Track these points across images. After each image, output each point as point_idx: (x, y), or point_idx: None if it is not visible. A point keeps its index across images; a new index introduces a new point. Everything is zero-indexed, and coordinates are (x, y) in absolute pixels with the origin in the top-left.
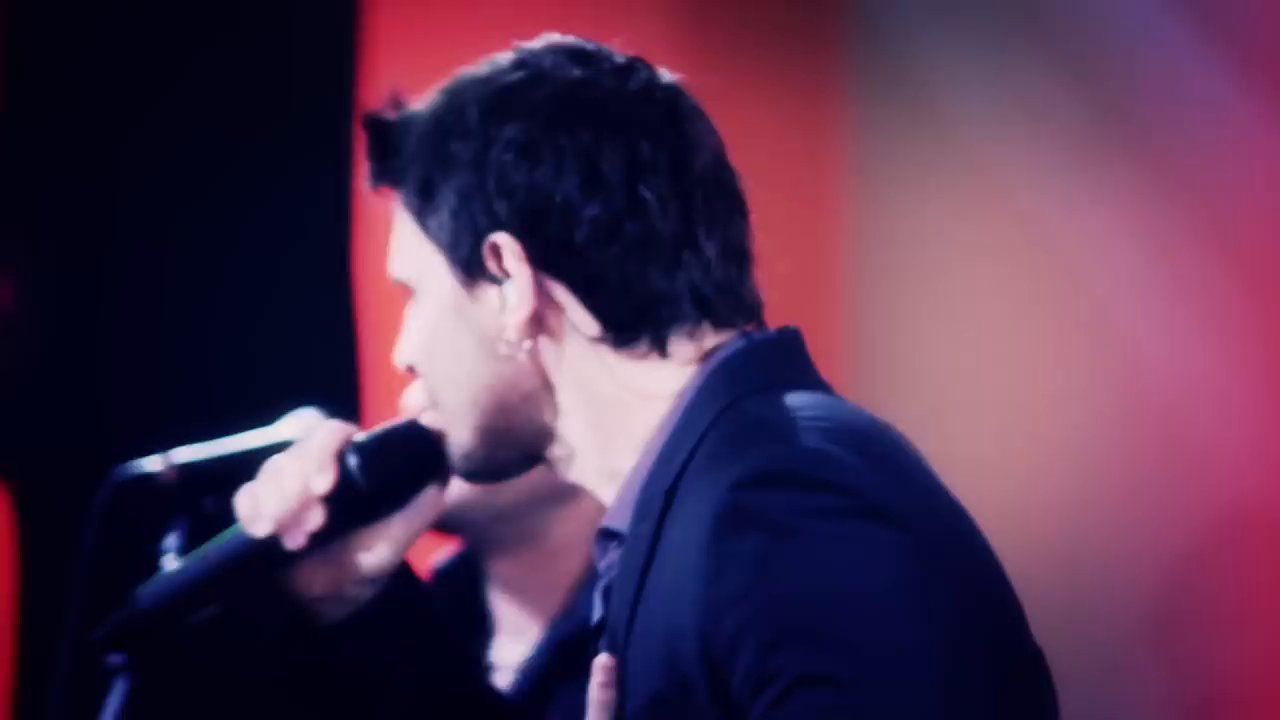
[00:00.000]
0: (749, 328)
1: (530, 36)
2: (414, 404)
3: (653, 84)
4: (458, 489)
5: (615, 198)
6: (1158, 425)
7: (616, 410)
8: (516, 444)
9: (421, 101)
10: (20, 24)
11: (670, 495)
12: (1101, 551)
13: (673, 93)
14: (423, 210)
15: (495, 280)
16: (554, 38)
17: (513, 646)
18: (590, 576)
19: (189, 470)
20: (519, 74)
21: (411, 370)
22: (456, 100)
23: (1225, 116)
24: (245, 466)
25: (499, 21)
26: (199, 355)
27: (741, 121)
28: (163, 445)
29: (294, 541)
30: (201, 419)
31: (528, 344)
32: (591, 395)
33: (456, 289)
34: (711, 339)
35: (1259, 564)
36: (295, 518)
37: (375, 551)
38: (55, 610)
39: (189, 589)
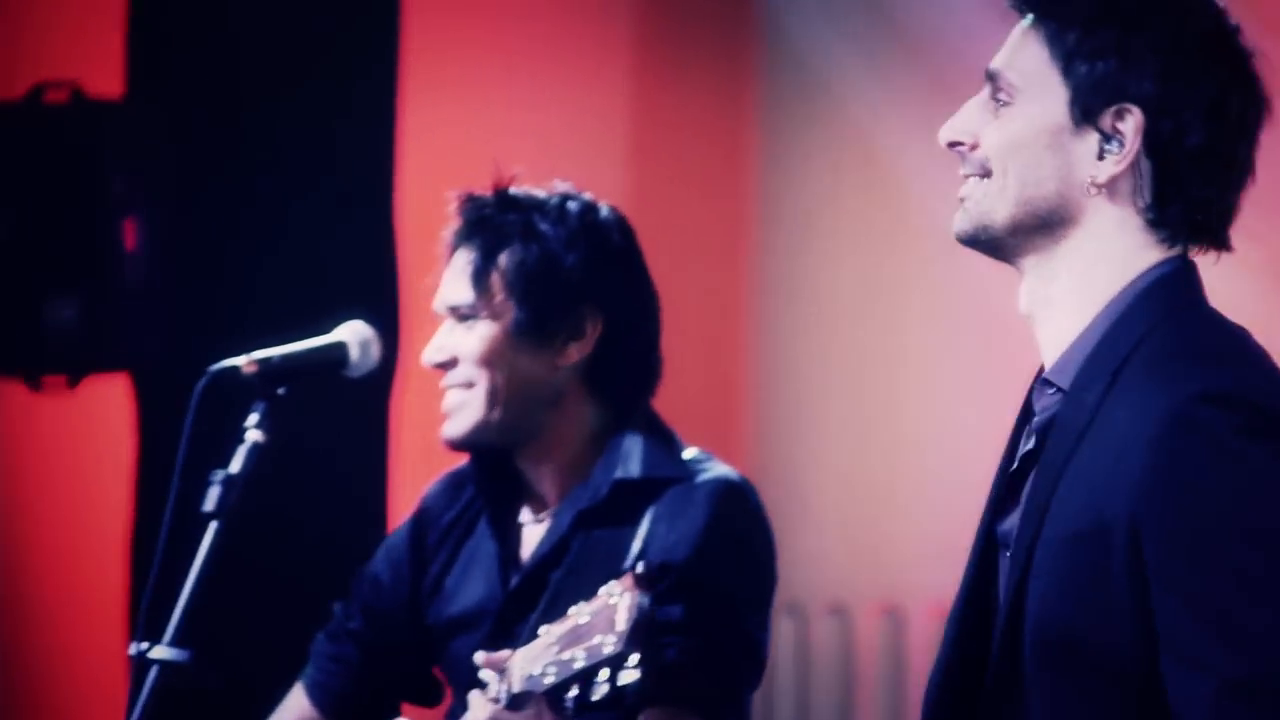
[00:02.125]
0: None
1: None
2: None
3: (1253, 56)
4: (472, 416)
5: (1223, 130)
6: None
7: (1107, 270)
8: (1023, 240)
9: None
10: (142, 23)
11: (1116, 375)
12: None
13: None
14: (1075, 56)
15: (1102, 133)
16: None
17: (536, 509)
18: (599, 465)
19: (266, 364)
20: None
21: (953, 145)
22: None
23: None
24: (307, 361)
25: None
26: (273, 278)
27: (675, 123)
28: (246, 347)
29: None
30: (274, 328)
31: (1097, 189)
32: (1100, 247)
33: (1065, 120)
34: (1171, 251)
35: None
36: None
37: None
38: (166, 470)
39: None
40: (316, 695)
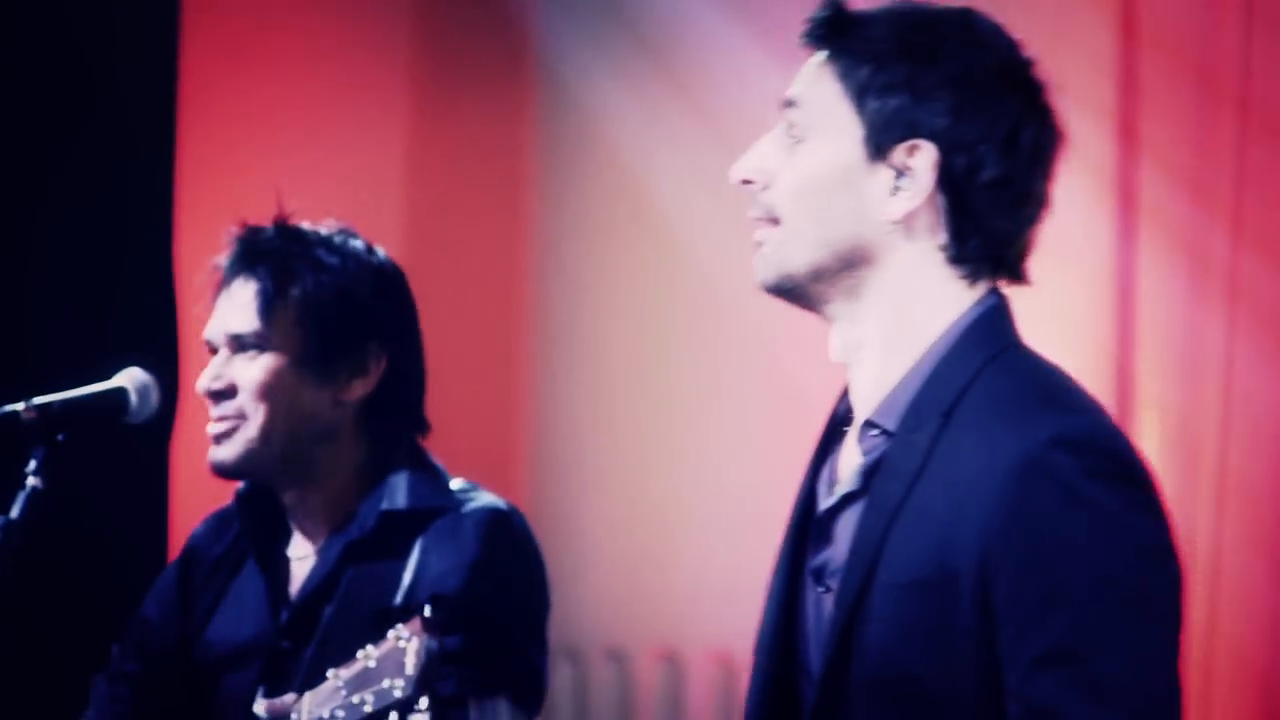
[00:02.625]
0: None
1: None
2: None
3: (1047, 88)
4: (244, 445)
5: (1017, 163)
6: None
7: (919, 309)
8: (827, 286)
9: (885, 11)
10: None
11: (948, 417)
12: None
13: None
14: (867, 91)
15: (895, 169)
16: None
17: (303, 545)
18: (366, 500)
19: (45, 410)
20: (977, 32)
21: (747, 182)
22: (931, 30)
23: None
24: (87, 408)
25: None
26: (51, 322)
27: (451, 166)
28: (24, 393)
29: None
30: (52, 373)
31: (893, 226)
32: (906, 285)
33: (858, 157)
34: (986, 289)
35: None
36: None
37: None
38: None
39: None
40: None
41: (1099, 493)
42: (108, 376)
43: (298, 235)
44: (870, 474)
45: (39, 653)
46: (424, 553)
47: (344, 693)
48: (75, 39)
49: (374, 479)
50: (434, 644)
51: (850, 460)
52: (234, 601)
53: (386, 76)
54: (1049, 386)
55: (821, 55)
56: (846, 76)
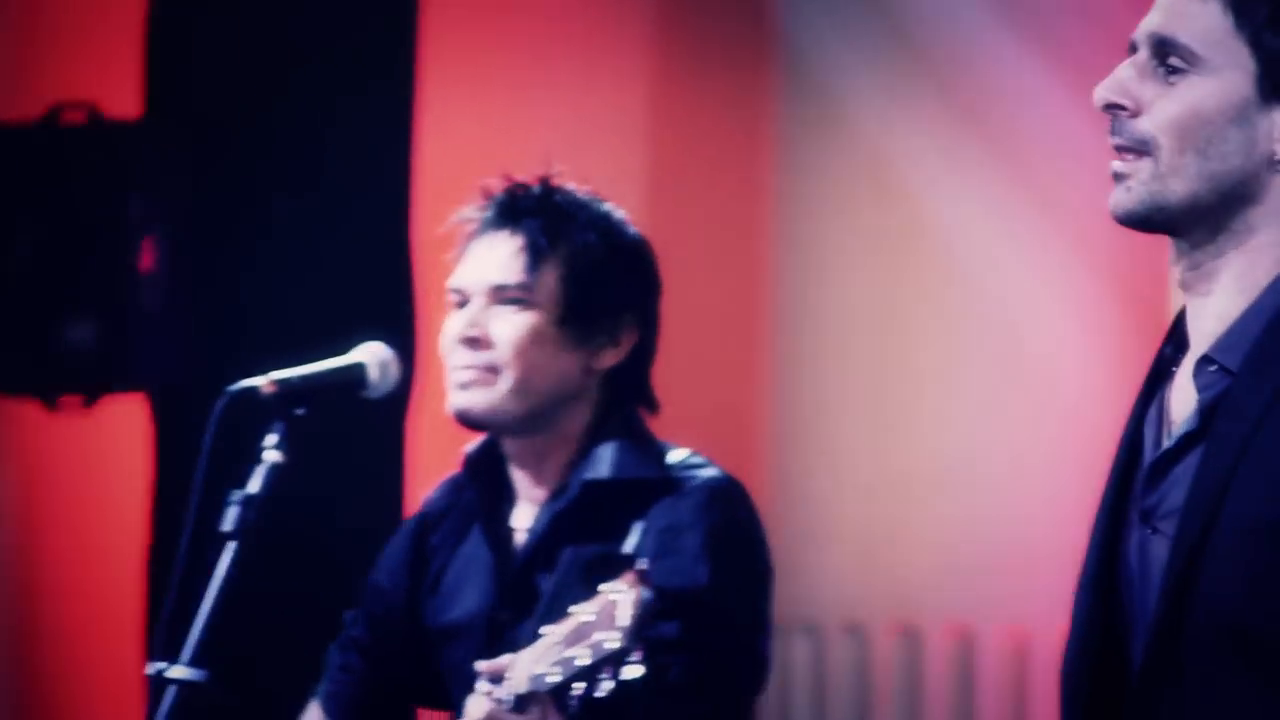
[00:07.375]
0: None
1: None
2: None
3: None
4: (494, 397)
5: None
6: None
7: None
8: (1198, 220)
9: None
10: (160, 44)
11: None
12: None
13: None
14: (1268, 26)
15: None
16: None
17: (527, 511)
18: (577, 463)
19: (285, 385)
20: None
21: (1111, 107)
22: None
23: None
24: (326, 382)
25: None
26: (291, 298)
27: (692, 138)
28: (264, 368)
29: None
30: (291, 348)
31: (1276, 164)
32: (1277, 222)
33: (1252, 94)
34: None
35: None
36: None
37: None
38: (183, 490)
39: None
40: (329, 706)
41: None
42: (345, 351)
43: (566, 195)
44: (1209, 412)
45: (276, 628)
46: (644, 535)
47: (559, 648)
48: None
49: (589, 449)
50: (648, 595)
51: (1185, 398)
52: (461, 570)
53: (628, 54)
54: None
55: None
56: (1240, 12)
